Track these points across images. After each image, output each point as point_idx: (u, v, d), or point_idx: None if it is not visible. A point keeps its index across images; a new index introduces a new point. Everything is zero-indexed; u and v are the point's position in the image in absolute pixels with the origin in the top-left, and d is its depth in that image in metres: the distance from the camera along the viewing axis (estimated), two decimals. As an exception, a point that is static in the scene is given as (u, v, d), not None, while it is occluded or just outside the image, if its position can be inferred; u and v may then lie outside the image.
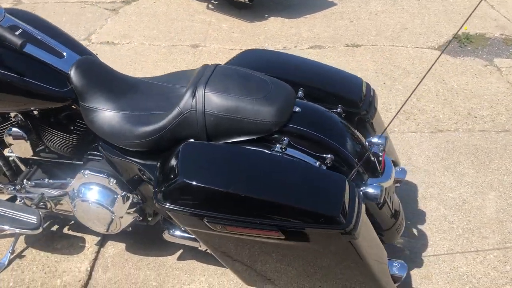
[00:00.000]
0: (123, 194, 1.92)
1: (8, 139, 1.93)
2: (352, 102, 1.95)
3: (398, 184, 2.14)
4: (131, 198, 1.96)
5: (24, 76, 1.73)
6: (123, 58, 3.97)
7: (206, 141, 1.71)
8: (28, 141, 1.94)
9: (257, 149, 1.67)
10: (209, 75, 1.73)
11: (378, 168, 1.82)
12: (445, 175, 2.69)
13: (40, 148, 2.04)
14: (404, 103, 1.80)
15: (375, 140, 1.90)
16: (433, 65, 1.75)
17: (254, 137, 1.70)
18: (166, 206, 1.55)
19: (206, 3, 4.97)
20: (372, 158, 1.85)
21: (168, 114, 1.71)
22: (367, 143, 1.89)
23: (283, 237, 1.51)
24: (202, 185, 1.51)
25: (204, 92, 1.68)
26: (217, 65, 1.81)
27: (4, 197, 2.26)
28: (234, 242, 1.62)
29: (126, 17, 4.71)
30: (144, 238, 2.27)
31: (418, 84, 1.72)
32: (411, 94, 1.78)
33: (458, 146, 2.92)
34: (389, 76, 3.67)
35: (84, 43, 4.17)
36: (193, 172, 1.55)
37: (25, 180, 2.07)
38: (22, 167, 2.14)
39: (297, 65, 2.07)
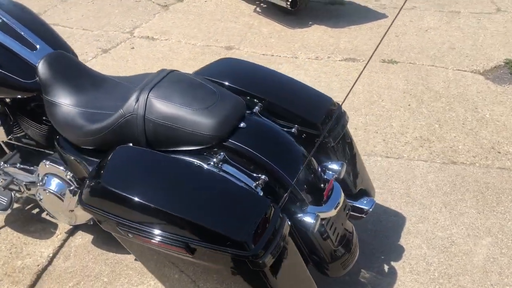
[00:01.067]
0: (75, 188, 1.98)
1: None
2: (311, 124, 1.85)
3: (363, 215, 2.01)
4: None
5: None
6: (156, 53, 4.08)
7: (145, 146, 1.70)
8: (1, 126, 2.05)
9: (191, 161, 1.64)
10: (159, 80, 1.73)
11: (323, 196, 1.72)
12: (441, 212, 2.48)
13: (19, 134, 2.15)
14: (356, 80, 1.68)
15: (331, 166, 1.80)
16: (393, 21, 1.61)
17: (193, 148, 1.67)
18: (85, 206, 1.58)
19: (254, 6, 4.97)
20: (321, 185, 1.75)
21: (113, 115, 1.73)
22: (319, 168, 1.78)
23: (190, 255, 1.47)
24: (117, 191, 1.51)
25: (147, 97, 1.67)
26: (172, 71, 1.80)
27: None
28: (148, 252, 1.61)
29: (173, 14, 4.83)
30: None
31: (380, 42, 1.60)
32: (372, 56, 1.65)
33: (468, 182, 2.68)
34: (417, 98, 3.44)
35: (126, 36, 4.36)
36: (114, 176, 1.56)
37: (1, 163, 2.19)
38: (7, 150, 2.27)
39: (267, 78, 2.01)
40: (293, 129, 1.84)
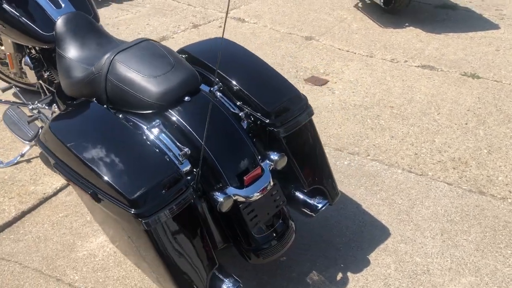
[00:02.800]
0: None
1: (24, 66, 2.46)
2: (263, 111, 1.86)
3: (312, 214, 1.96)
4: None
5: (21, 14, 2.19)
6: (238, 35, 4.27)
7: (105, 104, 1.89)
8: (33, 70, 2.43)
9: (125, 123, 1.75)
10: (129, 46, 1.90)
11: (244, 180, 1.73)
12: (434, 238, 2.26)
13: (50, 79, 2.52)
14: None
15: (271, 156, 1.81)
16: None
17: (139, 112, 1.81)
18: (39, 143, 1.83)
19: (357, 1, 4.85)
20: (250, 171, 1.75)
21: (89, 70, 1.96)
22: (258, 156, 1.80)
23: (97, 203, 1.63)
24: (56, 135, 1.72)
25: (112, 59, 1.86)
26: (147, 39, 1.96)
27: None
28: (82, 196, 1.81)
29: (274, 1, 4.96)
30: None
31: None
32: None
33: (485, 215, 2.38)
34: (479, 118, 3.10)
35: (221, 15, 4.62)
36: (59, 122, 1.79)
37: (36, 102, 2.59)
38: (45, 93, 2.67)
39: (244, 63, 2.04)
40: (241, 113, 1.87)
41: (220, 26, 4.40)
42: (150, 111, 1.78)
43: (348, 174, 2.66)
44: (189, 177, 1.70)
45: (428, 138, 2.94)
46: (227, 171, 1.72)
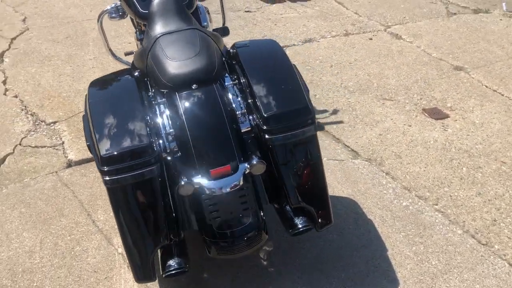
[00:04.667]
0: None
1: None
2: (261, 115, 1.83)
3: (290, 231, 1.87)
4: None
5: None
6: (383, 49, 4.08)
7: (146, 78, 2.11)
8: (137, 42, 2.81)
9: (140, 96, 1.92)
10: (175, 31, 2.08)
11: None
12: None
13: None
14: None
15: (252, 160, 1.80)
16: None
17: (160, 90, 1.99)
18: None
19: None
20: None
21: (143, 46, 2.20)
22: (241, 157, 1.81)
23: (90, 153, 1.88)
24: (88, 90, 2.01)
25: (156, 40, 2.06)
26: (194, 28, 2.11)
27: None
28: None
29: (448, 23, 4.55)
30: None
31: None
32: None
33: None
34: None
35: (380, 27, 4.48)
36: (98, 82, 2.07)
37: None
38: None
39: (271, 64, 2.01)
40: (239, 112, 1.88)
41: (371, 39, 4.27)
42: (164, 91, 1.94)
43: (397, 216, 2.40)
44: (169, 158, 1.82)
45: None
46: (200, 160, 1.79)
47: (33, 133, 3.13)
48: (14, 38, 4.46)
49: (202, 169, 1.78)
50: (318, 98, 3.45)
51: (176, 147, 1.83)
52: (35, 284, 2.12)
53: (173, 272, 1.81)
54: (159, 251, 1.88)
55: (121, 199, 1.75)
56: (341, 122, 3.18)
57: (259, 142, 1.89)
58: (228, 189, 1.76)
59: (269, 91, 1.91)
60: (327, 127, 3.13)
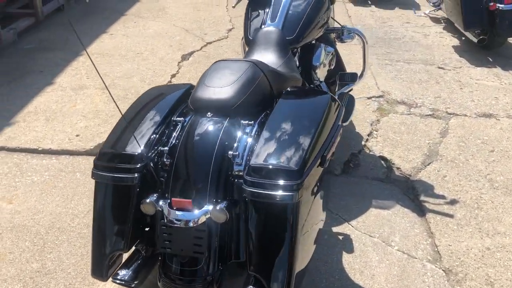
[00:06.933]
0: None
1: None
2: (246, 163, 1.66)
3: None
4: None
5: None
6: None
7: None
8: None
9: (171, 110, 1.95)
10: (234, 60, 2.05)
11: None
12: None
13: None
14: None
15: (216, 206, 1.65)
16: None
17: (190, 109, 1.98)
18: None
19: None
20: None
21: None
22: (214, 198, 1.69)
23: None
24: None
25: (213, 64, 2.06)
26: (250, 61, 2.01)
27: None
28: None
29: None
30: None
31: None
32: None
33: None
34: None
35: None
36: (152, 91, 2.16)
37: None
38: None
39: (299, 114, 1.85)
40: (238, 152, 1.73)
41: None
42: (189, 111, 1.94)
43: None
44: (155, 173, 1.81)
45: None
46: (172, 186, 1.73)
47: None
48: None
49: (170, 194, 1.72)
50: (447, 179, 2.88)
51: (164, 165, 1.82)
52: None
53: (118, 282, 1.80)
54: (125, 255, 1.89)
55: (100, 194, 1.82)
56: (451, 216, 2.59)
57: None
58: (181, 223, 1.66)
59: (273, 141, 1.72)
60: (428, 215, 2.60)
